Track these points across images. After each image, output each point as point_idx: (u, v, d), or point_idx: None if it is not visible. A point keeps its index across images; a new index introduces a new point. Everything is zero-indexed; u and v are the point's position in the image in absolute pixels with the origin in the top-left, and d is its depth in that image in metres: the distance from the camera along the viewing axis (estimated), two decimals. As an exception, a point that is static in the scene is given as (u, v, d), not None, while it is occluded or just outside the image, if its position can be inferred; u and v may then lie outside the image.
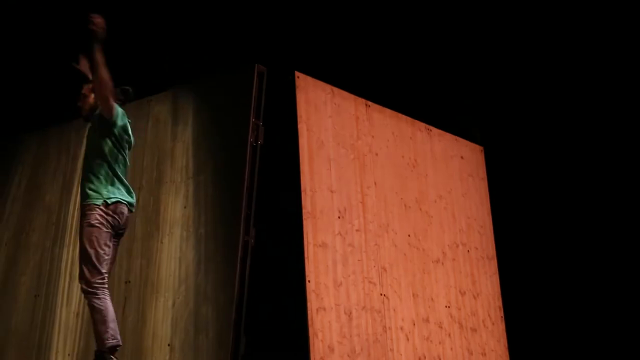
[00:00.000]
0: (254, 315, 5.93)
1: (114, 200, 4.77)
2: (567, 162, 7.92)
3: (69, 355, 6.31)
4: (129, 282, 6.26)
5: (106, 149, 4.83)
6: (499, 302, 7.40)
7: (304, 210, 6.14)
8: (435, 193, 7.33)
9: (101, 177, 4.79)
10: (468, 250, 7.34)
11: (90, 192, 4.75)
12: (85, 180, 4.79)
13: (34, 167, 7.37)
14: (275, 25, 7.43)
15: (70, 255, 6.73)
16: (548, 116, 8.04)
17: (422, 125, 7.52)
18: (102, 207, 4.72)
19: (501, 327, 7.32)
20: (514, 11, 7.63)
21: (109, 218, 4.75)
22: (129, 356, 5.94)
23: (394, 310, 6.50)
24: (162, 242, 6.24)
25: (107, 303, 4.68)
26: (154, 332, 5.96)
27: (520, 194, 7.99)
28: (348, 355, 5.99)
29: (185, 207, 6.25)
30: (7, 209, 7.37)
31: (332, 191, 6.43)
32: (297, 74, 6.52)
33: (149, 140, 6.67)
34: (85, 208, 4.74)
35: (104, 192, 4.76)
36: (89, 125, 5.10)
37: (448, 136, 7.72)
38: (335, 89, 6.84)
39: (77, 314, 6.43)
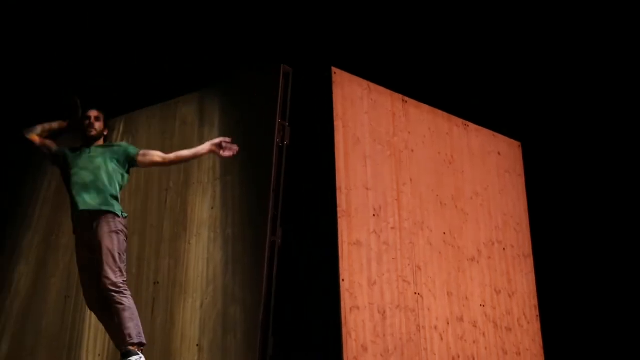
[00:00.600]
0: (288, 314, 5.91)
1: (125, 215, 4.94)
2: (606, 157, 7.79)
3: (99, 355, 6.37)
4: (158, 282, 6.29)
5: (123, 178, 5.07)
6: (534, 301, 7.28)
7: (338, 209, 6.10)
8: (472, 190, 7.23)
9: (117, 194, 4.96)
10: (504, 248, 7.23)
11: (113, 202, 4.87)
12: (105, 190, 4.90)
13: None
14: (312, 21, 7.35)
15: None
16: (587, 111, 7.90)
17: (459, 120, 7.42)
18: (122, 218, 4.87)
19: (536, 326, 7.21)
20: (552, 4, 7.49)
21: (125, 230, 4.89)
22: (158, 357, 6.01)
23: (428, 309, 6.43)
24: (189, 243, 6.26)
25: (132, 301, 4.76)
26: (182, 333, 5.99)
27: (558, 190, 7.87)
28: (381, 355, 5.95)
29: (212, 208, 6.26)
30: (37, 212, 7.45)
31: (367, 189, 6.37)
32: (333, 69, 6.47)
33: (176, 142, 6.69)
34: (109, 215, 4.81)
35: (120, 206, 4.93)
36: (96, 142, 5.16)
37: (485, 132, 7.60)
38: (372, 85, 6.77)
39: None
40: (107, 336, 6.28)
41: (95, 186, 4.90)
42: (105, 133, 5.23)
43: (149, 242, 6.43)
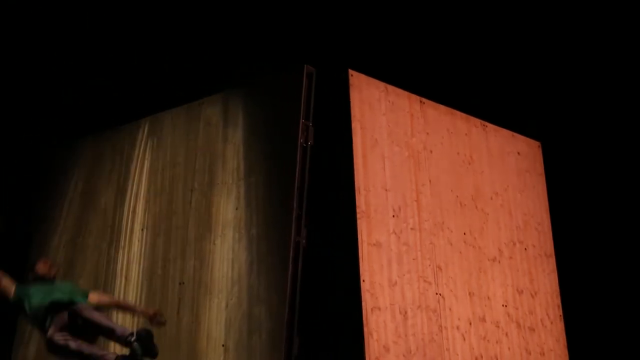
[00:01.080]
0: (309, 315, 5.93)
1: None
2: (627, 156, 7.75)
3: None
4: (183, 283, 6.33)
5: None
6: (557, 301, 7.25)
7: (358, 210, 6.11)
8: (492, 190, 7.22)
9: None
10: (525, 248, 7.21)
11: None
12: None
13: (89, 170, 7.52)
14: (329, 23, 7.40)
15: (125, 257, 6.84)
16: (607, 109, 7.86)
17: (478, 121, 7.42)
18: None
19: (560, 326, 7.17)
20: (571, 3, 7.47)
21: None
22: (184, 357, 6.05)
23: (450, 309, 6.42)
24: (214, 244, 6.30)
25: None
26: (208, 333, 6.02)
27: (579, 189, 7.83)
28: (403, 355, 5.94)
29: (237, 209, 6.29)
30: (65, 212, 7.53)
31: (386, 190, 6.38)
32: (350, 72, 6.49)
33: (201, 143, 6.74)
34: None
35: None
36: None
37: (504, 132, 7.59)
38: (390, 87, 6.79)
39: (133, 315, 6.51)
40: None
41: None
42: None
43: (174, 243, 6.47)
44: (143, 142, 7.15)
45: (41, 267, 5.45)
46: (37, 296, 5.17)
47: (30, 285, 5.30)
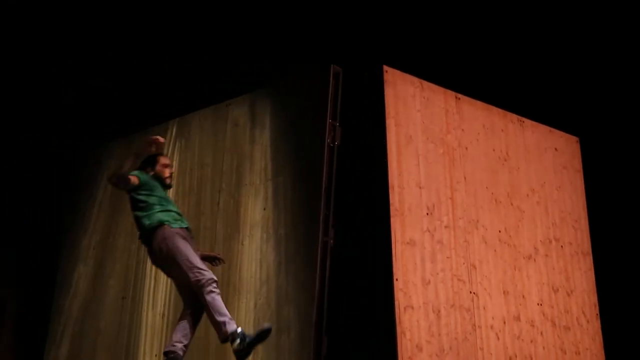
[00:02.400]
0: (341, 314, 5.91)
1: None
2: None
3: (155, 356, 6.49)
4: (212, 283, 6.33)
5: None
6: (594, 299, 7.13)
7: (391, 207, 6.07)
8: (528, 187, 7.12)
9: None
10: (562, 246, 7.10)
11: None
12: None
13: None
14: (363, 19, 7.34)
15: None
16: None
17: (515, 116, 7.31)
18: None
19: (596, 325, 7.06)
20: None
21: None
22: (213, 357, 6.09)
23: (484, 308, 6.36)
24: (242, 244, 6.33)
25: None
26: (237, 333, 6.00)
27: (618, 186, 7.71)
28: (437, 355, 5.90)
29: (264, 209, 6.31)
30: (95, 213, 7.62)
31: (420, 187, 6.33)
32: (385, 67, 6.45)
33: (228, 144, 6.79)
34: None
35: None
36: None
37: (542, 127, 7.48)
38: (425, 82, 6.73)
39: (163, 316, 6.60)
40: (164, 337, 6.46)
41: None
42: None
43: (203, 243, 6.48)
44: (171, 144, 7.20)
45: (166, 171, 5.55)
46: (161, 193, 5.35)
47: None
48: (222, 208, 6.51)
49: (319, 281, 5.68)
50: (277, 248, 6.08)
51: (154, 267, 6.79)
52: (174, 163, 7.09)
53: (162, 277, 6.59)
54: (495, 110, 7.19)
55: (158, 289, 6.68)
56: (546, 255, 6.96)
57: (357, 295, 6.44)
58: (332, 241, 5.82)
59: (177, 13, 7.17)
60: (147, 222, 5.21)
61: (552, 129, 7.56)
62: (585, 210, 7.46)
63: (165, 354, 5.07)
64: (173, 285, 6.51)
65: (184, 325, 5.13)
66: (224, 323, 4.94)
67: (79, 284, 7.38)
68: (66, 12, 7.11)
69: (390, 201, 6.07)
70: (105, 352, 6.81)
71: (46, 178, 8.16)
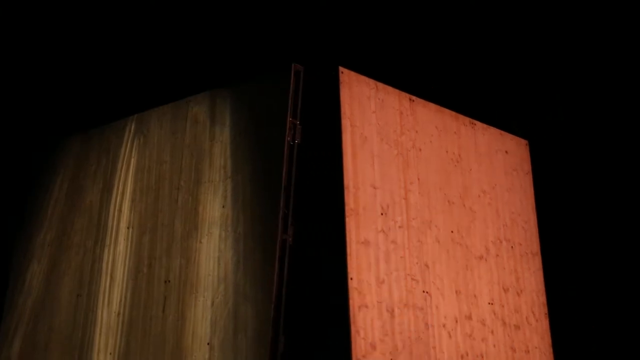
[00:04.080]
0: (297, 313, 5.93)
1: None
2: (614, 155, 7.78)
3: (110, 354, 6.40)
4: (169, 281, 6.32)
5: None
6: (543, 299, 7.27)
7: (346, 207, 6.10)
8: (479, 188, 7.23)
9: None
10: (512, 247, 7.24)
11: None
12: None
13: (75, 169, 7.50)
14: (319, 20, 7.38)
15: (110, 255, 6.82)
16: (595, 108, 7.90)
17: (467, 119, 7.42)
18: None
19: (545, 324, 7.20)
20: (562, 2, 7.49)
21: None
22: (169, 355, 6.04)
23: (437, 307, 6.44)
24: (201, 242, 6.29)
25: None
26: (193, 332, 6.01)
27: (566, 188, 7.87)
28: (390, 353, 5.96)
29: (223, 207, 6.29)
30: (50, 210, 7.51)
31: (375, 187, 6.38)
32: (341, 69, 6.48)
33: (188, 141, 6.75)
34: None
35: None
36: None
37: (492, 130, 7.61)
38: (380, 84, 6.78)
39: (118, 314, 6.53)
40: (119, 335, 6.41)
41: None
42: None
43: (160, 241, 6.44)
44: (129, 140, 7.13)
45: None
46: None
47: None
48: (180, 205, 6.47)
49: (277, 279, 5.68)
50: (235, 246, 6.06)
51: (110, 265, 6.77)
52: (132, 160, 7.05)
53: (118, 274, 6.55)
54: (448, 112, 7.29)
55: (114, 287, 6.61)
56: (497, 256, 7.08)
57: (315, 294, 6.47)
58: (290, 239, 5.84)
59: (138, 8, 7.13)
60: None
61: (503, 132, 7.69)
62: (535, 211, 7.61)
63: None
64: (129, 283, 6.50)
65: None
66: None
67: (32, 281, 7.27)
68: (18, 6, 7.02)
69: (345, 201, 6.11)
70: (59, 350, 6.70)
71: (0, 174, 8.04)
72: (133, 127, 7.19)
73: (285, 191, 5.91)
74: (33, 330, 7.04)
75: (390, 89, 6.86)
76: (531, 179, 7.73)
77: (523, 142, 7.84)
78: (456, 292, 6.64)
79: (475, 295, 6.76)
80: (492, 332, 6.76)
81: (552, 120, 7.96)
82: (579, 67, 7.81)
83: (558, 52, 7.83)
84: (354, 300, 5.88)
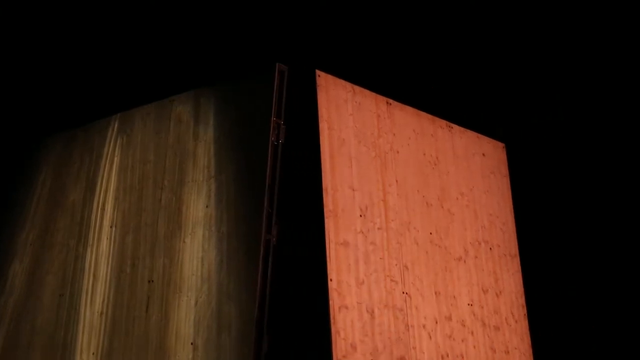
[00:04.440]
0: (277, 313, 5.94)
1: None
2: (591, 158, 7.87)
3: (93, 354, 6.37)
4: (152, 281, 6.30)
5: None
6: (522, 300, 7.34)
7: (325, 209, 6.13)
8: (457, 190, 7.30)
9: None
10: (490, 248, 7.30)
11: None
12: None
13: (58, 167, 7.45)
14: (296, 24, 7.44)
15: (93, 254, 6.80)
16: (571, 112, 7.99)
17: (444, 122, 7.49)
18: None
19: (524, 324, 7.27)
20: (538, 7, 7.58)
21: None
22: (152, 355, 6.00)
23: (416, 308, 6.48)
24: (184, 242, 6.28)
25: None
26: (177, 331, 5.99)
27: (543, 190, 7.95)
28: (370, 354, 5.98)
29: (207, 207, 6.28)
30: (33, 209, 7.46)
31: (353, 189, 6.42)
32: (318, 72, 6.52)
33: (171, 140, 6.72)
34: None
35: None
36: None
37: (469, 133, 7.68)
38: (357, 87, 6.83)
39: (101, 313, 6.50)
40: (102, 334, 6.39)
41: None
42: None
43: (144, 240, 6.43)
44: (113, 139, 7.12)
45: None
46: None
47: None
48: (164, 205, 6.45)
49: (260, 279, 5.69)
50: (219, 246, 6.05)
51: (93, 264, 6.76)
52: (116, 159, 7.03)
53: (101, 274, 6.53)
54: (425, 115, 7.35)
55: (97, 286, 6.57)
56: (475, 257, 7.14)
57: (296, 295, 6.49)
58: (274, 239, 5.85)
59: (122, 8, 7.15)
60: None
61: (480, 135, 7.77)
62: (512, 213, 7.68)
63: None
64: (112, 282, 6.50)
65: None
66: None
67: (14, 281, 7.21)
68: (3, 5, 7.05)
69: (324, 202, 6.14)
70: (41, 350, 6.64)
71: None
72: (116, 126, 7.18)
73: (269, 190, 5.92)
74: (15, 330, 6.98)
75: (367, 92, 6.91)
76: (509, 181, 7.81)
77: (500, 145, 7.93)
78: (435, 293, 6.68)
79: (454, 297, 6.81)
80: (472, 333, 6.80)
81: (528, 123, 8.05)
82: (555, 71, 7.91)
83: (534, 56, 7.92)
84: (334, 301, 5.91)
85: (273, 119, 6.05)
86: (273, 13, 7.34)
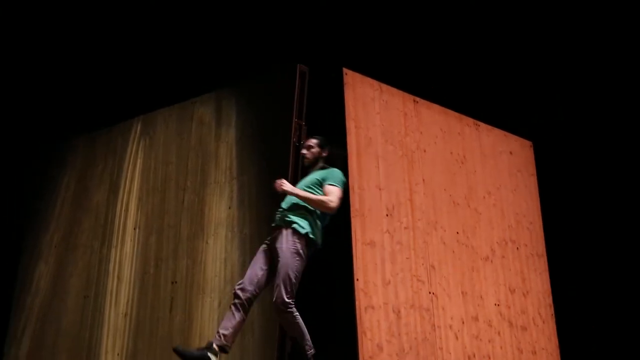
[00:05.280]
0: (302, 314, 5.92)
1: (313, 239, 5.25)
2: (619, 156, 7.79)
3: (118, 354, 6.41)
4: (175, 282, 6.33)
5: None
6: (549, 300, 7.26)
7: (352, 208, 6.09)
8: (484, 189, 7.23)
9: (309, 213, 5.27)
10: (517, 248, 7.22)
11: (297, 220, 5.20)
12: (294, 208, 5.25)
13: (82, 169, 7.52)
14: (324, 22, 7.41)
15: (117, 256, 6.84)
16: (599, 110, 7.91)
17: (471, 120, 7.42)
18: (305, 239, 5.18)
19: (552, 325, 7.18)
20: (566, 5, 7.51)
21: (306, 251, 5.22)
22: (176, 356, 5.98)
23: (443, 308, 6.42)
24: (207, 243, 6.31)
25: (297, 318, 5.15)
26: (200, 332, 6.03)
27: (571, 189, 7.87)
28: (397, 354, 5.94)
29: (229, 208, 6.30)
30: (57, 211, 7.53)
31: (380, 189, 6.37)
32: (345, 70, 6.47)
33: (193, 142, 6.76)
34: (291, 233, 5.16)
35: (309, 228, 5.22)
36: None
37: (497, 131, 7.61)
38: (384, 86, 6.78)
39: (125, 315, 6.54)
40: (126, 335, 6.41)
41: (286, 204, 5.30)
42: (322, 156, 5.62)
43: (167, 241, 6.48)
44: (135, 141, 7.17)
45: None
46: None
47: None
48: (186, 207, 6.49)
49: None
50: (241, 247, 6.07)
51: (117, 266, 6.78)
52: (139, 161, 7.08)
53: (125, 275, 6.58)
54: (452, 113, 7.28)
55: (121, 288, 6.63)
56: (502, 257, 7.06)
57: (322, 295, 6.46)
58: (297, 240, 5.83)
59: (144, 11, 7.16)
60: None
61: (507, 133, 7.68)
62: (540, 212, 7.59)
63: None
64: (136, 283, 6.52)
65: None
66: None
67: (40, 282, 7.29)
68: (30, 8, 7.07)
69: (351, 202, 6.09)
70: (67, 351, 6.73)
71: (8, 176, 8.05)
72: (139, 128, 7.22)
73: (291, 192, 5.91)
74: (41, 331, 7.06)
75: (394, 90, 6.86)
76: (536, 180, 7.72)
77: (527, 143, 7.85)
78: (462, 293, 6.63)
79: (481, 297, 6.75)
80: (499, 333, 6.74)
81: (556, 121, 7.97)
82: (583, 69, 7.83)
83: (562, 54, 7.84)
84: (360, 301, 5.87)
85: (294, 120, 6.03)
86: (301, 11, 7.31)
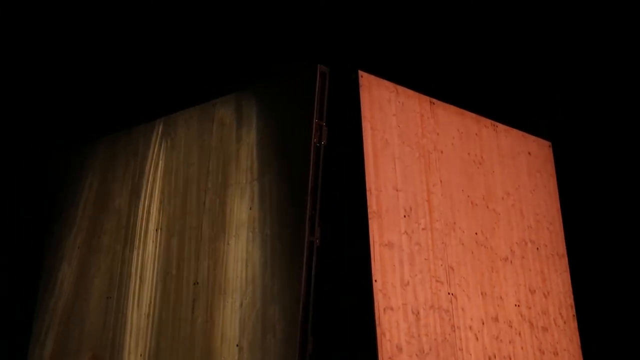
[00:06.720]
0: (322, 315, 5.95)
1: None
2: (637, 155, 7.75)
3: (141, 355, 6.45)
4: (197, 283, 6.35)
5: None
6: (570, 301, 7.24)
7: (369, 210, 6.10)
8: (503, 190, 7.22)
9: None
10: (537, 248, 7.21)
11: None
12: None
13: (104, 171, 7.57)
14: (339, 24, 7.45)
15: (139, 257, 6.89)
16: (619, 109, 7.87)
17: (488, 121, 7.42)
18: None
19: (573, 325, 7.16)
20: (584, 5, 7.50)
21: None
22: (198, 356, 6.06)
23: (462, 309, 6.42)
24: (228, 244, 6.31)
25: None
26: (222, 333, 6.03)
27: (591, 189, 7.85)
28: (417, 355, 5.95)
29: (250, 209, 6.31)
30: (80, 213, 7.59)
31: (397, 190, 6.39)
32: (360, 72, 6.48)
33: (214, 143, 6.77)
34: None
35: None
36: None
37: (515, 132, 7.60)
38: (399, 87, 6.79)
39: (148, 315, 6.58)
40: (149, 336, 6.47)
41: None
42: None
43: (188, 243, 6.50)
44: (157, 143, 7.21)
45: None
46: None
47: None
48: (208, 208, 6.50)
49: (304, 281, 5.70)
50: (263, 248, 6.07)
51: (139, 267, 6.85)
52: (160, 162, 7.13)
53: (147, 277, 6.62)
54: (469, 114, 7.28)
55: (143, 289, 6.66)
56: (522, 257, 7.05)
57: (340, 296, 6.48)
58: (317, 241, 5.85)
59: (164, 12, 7.23)
60: None
61: (525, 134, 7.67)
62: (559, 213, 7.58)
63: None
64: (158, 285, 6.57)
65: None
66: None
67: (63, 283, 7.34)
68: (48, 10, 7.16)
69: (368, 203, 6.11)
70: (90, 352, 6.77)
71: (30, 178, 8.12)
72: (160, 129, 7.26)
73: (312, 193, 5.93)
74: (64, 332, 7.11)
75: (410, 92, 6.87)
76: (555, 180, 7.71)
77: (546, 143, 7.83)
78: (482, 293, 6.63)
79: (501, 297, 6.74)
80: (520, 334, 6.73)
81: (575, 120, 7.95)
82: (601, 67, 7.80)
83: (581, 53, 7.82)
84: (379, 302, 5.88)
85: (315, 120, 6.04)
86: (316, 14, 7.35)
